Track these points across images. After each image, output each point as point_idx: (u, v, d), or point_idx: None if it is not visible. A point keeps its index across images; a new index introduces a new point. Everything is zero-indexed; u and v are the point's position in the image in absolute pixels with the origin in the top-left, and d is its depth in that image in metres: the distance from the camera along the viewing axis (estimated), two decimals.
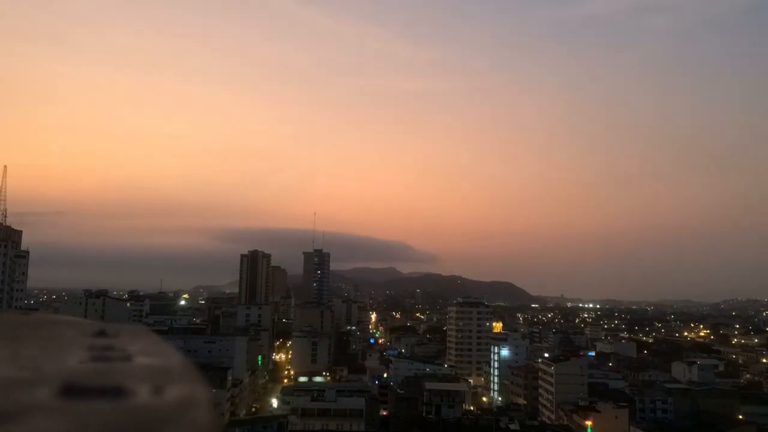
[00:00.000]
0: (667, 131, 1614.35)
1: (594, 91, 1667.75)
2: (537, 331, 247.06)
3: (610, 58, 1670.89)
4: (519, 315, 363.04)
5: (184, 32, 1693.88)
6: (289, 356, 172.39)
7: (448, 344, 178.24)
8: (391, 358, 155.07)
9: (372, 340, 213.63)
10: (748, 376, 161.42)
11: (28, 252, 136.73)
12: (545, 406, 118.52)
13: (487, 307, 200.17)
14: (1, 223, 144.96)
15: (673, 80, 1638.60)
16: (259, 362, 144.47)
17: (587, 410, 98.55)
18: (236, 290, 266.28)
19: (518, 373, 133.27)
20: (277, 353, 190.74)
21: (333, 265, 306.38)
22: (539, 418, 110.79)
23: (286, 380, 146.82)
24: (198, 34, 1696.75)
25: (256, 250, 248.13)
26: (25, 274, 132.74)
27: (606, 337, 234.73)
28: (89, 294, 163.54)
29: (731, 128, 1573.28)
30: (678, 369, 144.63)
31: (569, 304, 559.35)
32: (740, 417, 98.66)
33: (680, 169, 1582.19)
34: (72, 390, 1.19)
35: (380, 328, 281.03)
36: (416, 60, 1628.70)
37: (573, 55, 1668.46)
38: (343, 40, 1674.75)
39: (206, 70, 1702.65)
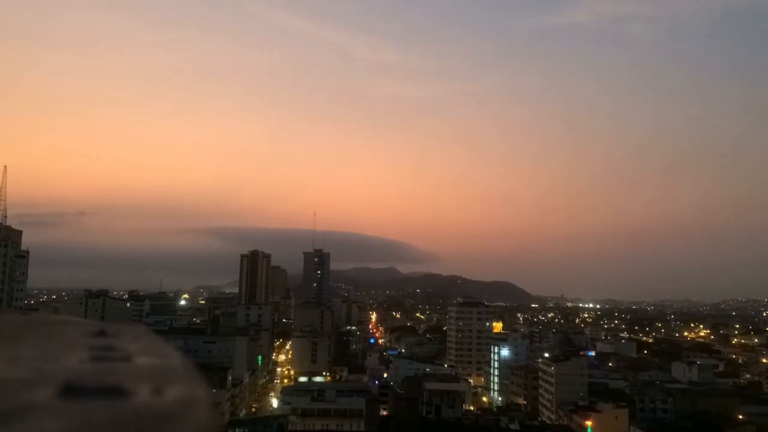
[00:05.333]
0: (668, 133, 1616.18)
1: (591, 94, 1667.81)
2: (537, 331, 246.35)
3: (601, 61, 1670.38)
4: (519, 315, 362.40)
5: (183, 44, 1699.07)
6: (289, 356, 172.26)
7: (448, 344, 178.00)
8: (391, 358, 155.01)
9: (372, 340, 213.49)
10: (748, 376, 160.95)
11: (28, 252, 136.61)
12: (545, 406, 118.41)
13: (487, 307, 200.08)
14: (1, 223, 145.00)
15: (667, 84, 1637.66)
16: (259, 362, 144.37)
17: (587, 410, 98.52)
18: (236, 290, 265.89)
19: (518, 373, 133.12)
20: (277, 353, 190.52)
21: (333, 265, 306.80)
22: (539, 418, 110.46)
23: (286, 380, 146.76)
24: (197, 46, 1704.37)
25: (256, 250, 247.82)
26: (25, 274, 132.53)
27: (606, 337, 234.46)
28: (89, 294, 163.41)
29: (733, 130, 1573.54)
30: (678, 369, 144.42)
31: (569, 304, 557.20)
32: (740, 417, 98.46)
33: (680, 170, 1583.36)
34: (72, 390, 1.19)
35: (380, 328, 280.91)
36: (409, 67, 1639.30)
37: (566, 59, 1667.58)
38: (341, 48, 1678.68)
39: (205, 78, 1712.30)
